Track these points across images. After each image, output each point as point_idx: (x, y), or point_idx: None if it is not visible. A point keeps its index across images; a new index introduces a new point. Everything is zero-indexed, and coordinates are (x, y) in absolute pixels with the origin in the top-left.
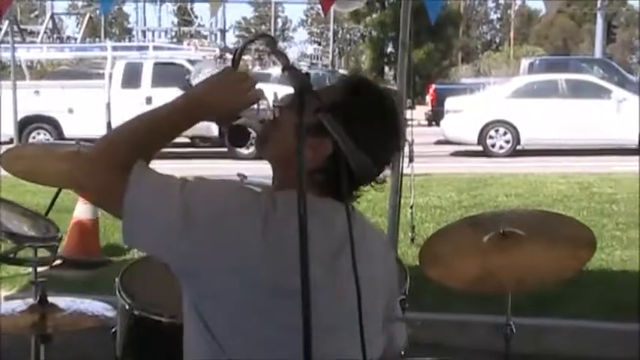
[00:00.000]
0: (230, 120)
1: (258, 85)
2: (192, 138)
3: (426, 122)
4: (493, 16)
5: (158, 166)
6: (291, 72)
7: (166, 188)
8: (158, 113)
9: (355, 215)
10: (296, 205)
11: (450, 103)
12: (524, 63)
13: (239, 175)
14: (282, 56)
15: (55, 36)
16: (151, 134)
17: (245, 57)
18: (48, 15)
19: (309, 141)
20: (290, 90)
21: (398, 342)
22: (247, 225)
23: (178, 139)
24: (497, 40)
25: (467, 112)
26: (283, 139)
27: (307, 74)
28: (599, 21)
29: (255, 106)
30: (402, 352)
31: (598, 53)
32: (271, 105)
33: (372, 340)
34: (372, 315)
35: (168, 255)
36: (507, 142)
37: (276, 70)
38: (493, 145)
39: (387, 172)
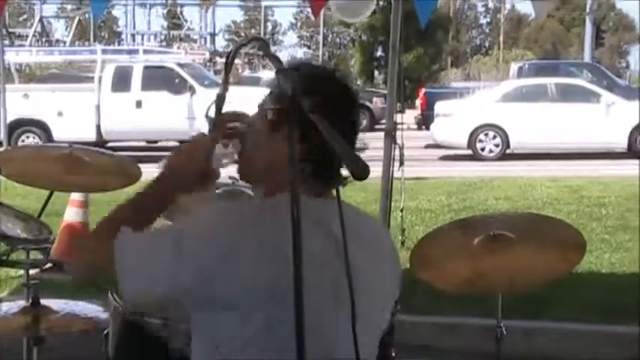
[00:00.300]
0: (209, 177)
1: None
2: (181, 142)
3: (415, 126)
4: (483, 21)
5: (146, 169)
6: (284, 75)
7: (151, 239)
8: (137, 197)
9: (350, 210)
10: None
11: (439, 107)
12: (514, 67)
13: (231, 177)
14: (275, 59)
15: (44, 39)
16: (139, 215)
17: (235, 61)
18: (37, 18)
19: (282, 134)
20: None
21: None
22: (241, 247)
23: (167, 143)
24: (487, 45)
25: (456, 116)
26: (260, 152)
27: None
28: (588, 25)
29: (220, 151)
30: (394, 354)
31: (587, 57)
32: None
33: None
34: (372, 313)
35: (175, 293)
36: (497, 145)
37: (266, 74)
38: (483, 149)
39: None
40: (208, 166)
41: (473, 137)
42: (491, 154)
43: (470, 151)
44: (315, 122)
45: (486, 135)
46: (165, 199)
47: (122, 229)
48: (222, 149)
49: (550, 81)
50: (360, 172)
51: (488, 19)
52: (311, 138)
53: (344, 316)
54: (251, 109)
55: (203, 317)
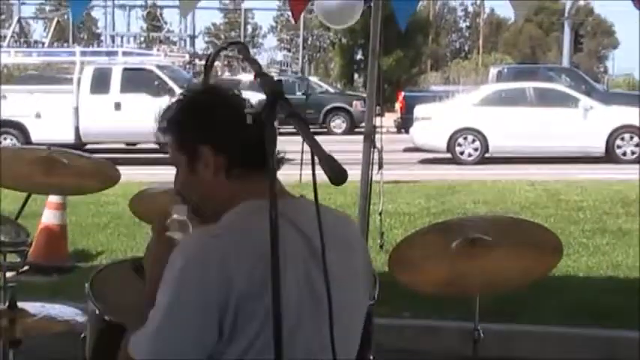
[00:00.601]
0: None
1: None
2: (160, 144)
3: (395, 129)
4: (462, 25)
5: (125, 172)
6: (263, 78)
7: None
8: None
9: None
10: (252, 212)
11: (419, 110)
12: (493, 71)
13: None
14: (254, 63)
15: (22, 40)
16: None
17: (215, 63)
18: (15, 19)
19: (200, 165)
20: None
21: None
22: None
23: (147, 145)
24: (467, 48)
25: (436, 120)
26: (192, 186)
27: (279, 81)
28: (567, 30)
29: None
30: (372, 357)
31: (565, 62)
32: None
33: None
34: (353, 307)
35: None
36: (476, 149)
37: (245, 77)
38: (462, 153)
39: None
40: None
41: (452, 141)
42: (470, 158)
43: (449, 155)
44: (295, 125)
45: (465, 139)
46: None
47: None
48: (177, 210)
49: (529, 85)
50: (338, 176)
51: (468, 23)
52: (223, 144)
53: (321, 315)
54: None
55: None
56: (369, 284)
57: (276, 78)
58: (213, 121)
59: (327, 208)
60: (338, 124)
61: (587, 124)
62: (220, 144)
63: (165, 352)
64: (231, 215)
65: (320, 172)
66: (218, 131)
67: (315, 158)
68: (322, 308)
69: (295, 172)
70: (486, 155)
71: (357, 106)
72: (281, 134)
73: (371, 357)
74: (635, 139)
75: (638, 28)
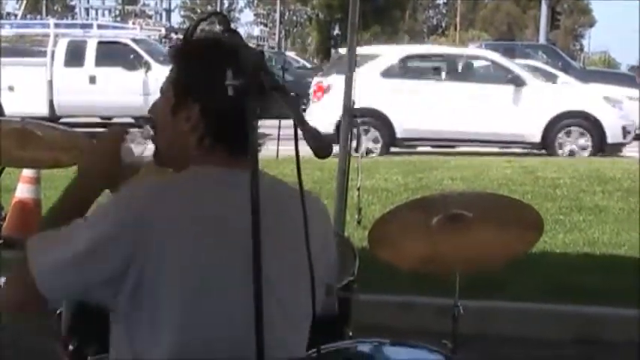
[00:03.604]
0: (125, 173)
1: None
2: (136, 118)
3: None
4: (439, 1)
5: None
6: (244, 50)
7: (60, 235)
8: (60, 207)
9: (268, 181)
10: (201, 177)
11: None
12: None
13: None
14: (235, 34)
15: None
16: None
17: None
18: None
19: (182, 115)
20: None
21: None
22: (123, 223)
23: (122, 120)
24: (444, 25)
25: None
26: (164, 130)
27: (261, 52)
28: (544, 7)
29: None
30: (350, 333)
31: (542, 39)
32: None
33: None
34: (293, 284)
35: (94, 287)
36: None
37: None
38: None
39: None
40: (119, 160)
41: None
42: None
43: None
44: (278, 99)
45: None
46: (84, 201)
47: (29, 240)
48: (137, 139)
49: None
50: (323, 149)
51: (445, 0)
52: (211, 111)
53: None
54: None
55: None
56: (323, 266)
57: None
58: (221, 87)
59: (281, 183)
60: None
61: None
62: (211, 112)
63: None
64: (179, 175)
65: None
66: (218, 100)
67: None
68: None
69: (272, 147)
70: None
71: None
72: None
73: (350, 333)
74: None
75: (614, 7)
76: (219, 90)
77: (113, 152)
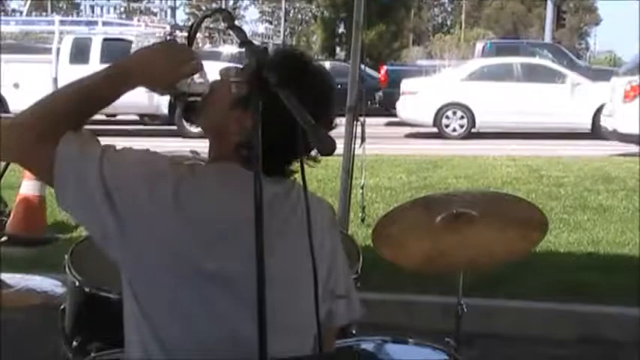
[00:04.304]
0: (165, 90)
1: (210, 64)
2: (141, 116)
3: (377, 104)
4: None
5: (108, 143)
6: (248, 47)
7: (87, 160)
8: (85, 82)
9: (294, 189)
10: (224, 178)
11: (405, 84)
12: (479, 46)
13: (192, 152)
14: (239, 31)
15: None
16: (79, 104)
17: (197, 35)
18: None
19: (235, 114)
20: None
21: (338, 320)
22: (156, 197)
23: (127, 117)
24: (449, 23)
25: (422, 94)
26: (215, 110)
27: (265, 49)
28: (549, 6)
29: (192, 79)
30: (353, 332)
31: (547, 38)
32: (208, 79)
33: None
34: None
35: (96, 225)
36: (462, 124)
37: (226, 49)
38: (448, 127)
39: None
40: (168, 89)
41: (439, 115)
42: (456, 133)
43: (435, 130)
44: (281, 97)
45: (455, 113)
46: (117, 93)
47: (66, 135)
48: (199, 81)
49: (516, 60)
50: (326, 146)
51: None
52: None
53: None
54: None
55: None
56: (324, 268)
57: (263, 47)
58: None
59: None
60: None
61: (574, 100)
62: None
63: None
64: (208, 170)
65: None
66: (273, 131)
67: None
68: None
69: None
70: (472, 130)
71: None
72: None
73: (353, 331)
74: None
75: (620, 5)
76: (282, 119)
77: (180, 60)
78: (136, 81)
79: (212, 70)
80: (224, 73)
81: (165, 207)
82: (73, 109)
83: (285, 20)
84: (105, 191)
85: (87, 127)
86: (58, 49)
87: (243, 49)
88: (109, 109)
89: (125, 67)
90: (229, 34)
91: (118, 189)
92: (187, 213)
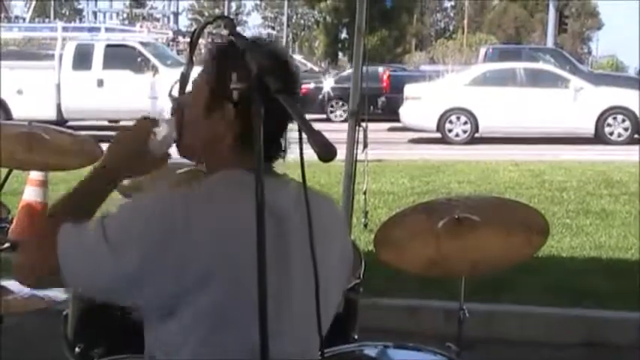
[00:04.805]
0: (145, 166)
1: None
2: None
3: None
4: (447, 4)
5: None
6: (249, 53)
7: (87, 237)
8: (79, 192)
9: (295, 187)
10: (233, 183)
11: (409, 89)
12: (482, 51)
13: None
14: (241, 38)
15: (2, 15)
16: (81, 210)
17: (199, 41)
18: None
19: (217, 114)
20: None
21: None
22: (168, 230)
23: (129, 123)
24: (451, 28)
25: (426, 99)
26: (195, 127)
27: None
28: (551, 11)
29: (156, 136)
30: (355, 337)
31: (550, 43)
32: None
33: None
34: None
35: (115, 289)
36: (466, 130)
37: None
38: (451, 131)
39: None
40: (147, 152)
41: (442, 121)
42: (459, 138)
43: (438, 135)
44: (282, 102)
45: (458, 119)
46: (105, 189)
47: (62, 231)
48: (163, 131)
49: (519, 66)
50: (327, 153)
51: (453, 3)
52: (245, 111)
53: (285, 300)
54: None
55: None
56: (345, 270)
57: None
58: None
59: (309, 190)
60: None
61: (577, 104)
62: (245, 111)
63: (84, 265)
64: (211, 182)
65: (305, 150)
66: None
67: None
68: (281, 291)
69: None
70: (476, 135)
71: None
72: None
73: (355, 336)
74: (626, 121)
75: (623, 10)
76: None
77: (141, 142)
78: (121, 177)
79: None
80: (174, 99)
81: (180, 238)
82: (75, 215)
83: (288, 26)
84: (116, 252)
85: (91, 132)
86: (61, 56)
87: None
88: (112, 115)
89: (105, 171)
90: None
91: (128, 244)
92: (202, 236)
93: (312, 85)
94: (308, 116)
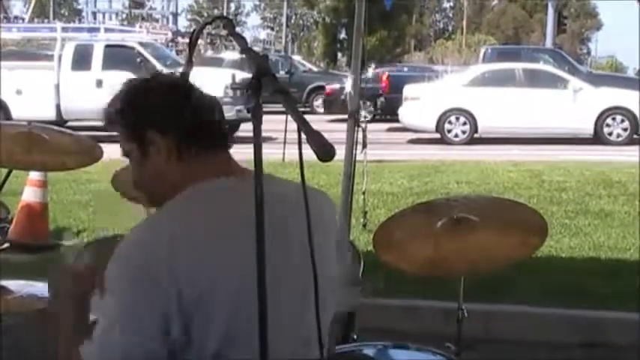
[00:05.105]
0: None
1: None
2: None
3: (379, 111)
4: (446, 5)
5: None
6: (249, 54)
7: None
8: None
9: (287, 185)
10: (209, 195)
11: (408, 90)
12: (481, 51)
13: None
14: (240, 38)
15: (1, 16)
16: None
17: (198, 41)
18: None
19: (152, 151)
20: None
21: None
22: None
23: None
24: (450, 29)
25: (425, 100)
26: (149, 174)
27: (265, 56)
28: (550, 11)
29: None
30: (355, 337)
31: (549, 43)
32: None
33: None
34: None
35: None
36: (465, 130)
37: (228, 55)
38: (450, 131)
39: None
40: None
41: (441, 121)
42: (458, 139)
43: (437, 135)
44: (282, 102)
45: (457, 119)
46: (79, 308)
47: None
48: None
49: (518, 66)
50: (326, 152)
51: (452, 4)
52: (171, 129)
53: (285, 300)
54: (213, 90)
55: None
56: (339, 263)
57: (263, 53)
58: (153, 105)
59: (295, 185)
60: (321, 103)
61: (576, 105)
62: (164, 126)
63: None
64: (174, 203)
65: (305, 150)
66: (159, 113)
67: (302, 135)
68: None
69: (279, 150)
70: (475, 136)
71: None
72: (265, 113)
73: (354, 336)
74: (625, 122)
75: (622, 10)
76: (161, 107)
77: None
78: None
79: (214, 76)
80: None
81: (172, 290)
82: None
83: (287, 26)
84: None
85: (90, 133)
86: (60, 56)
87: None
88: None
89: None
90: (231, 41)
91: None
92: (189, 259)
93: (336, 86)
94: (333, 117)
